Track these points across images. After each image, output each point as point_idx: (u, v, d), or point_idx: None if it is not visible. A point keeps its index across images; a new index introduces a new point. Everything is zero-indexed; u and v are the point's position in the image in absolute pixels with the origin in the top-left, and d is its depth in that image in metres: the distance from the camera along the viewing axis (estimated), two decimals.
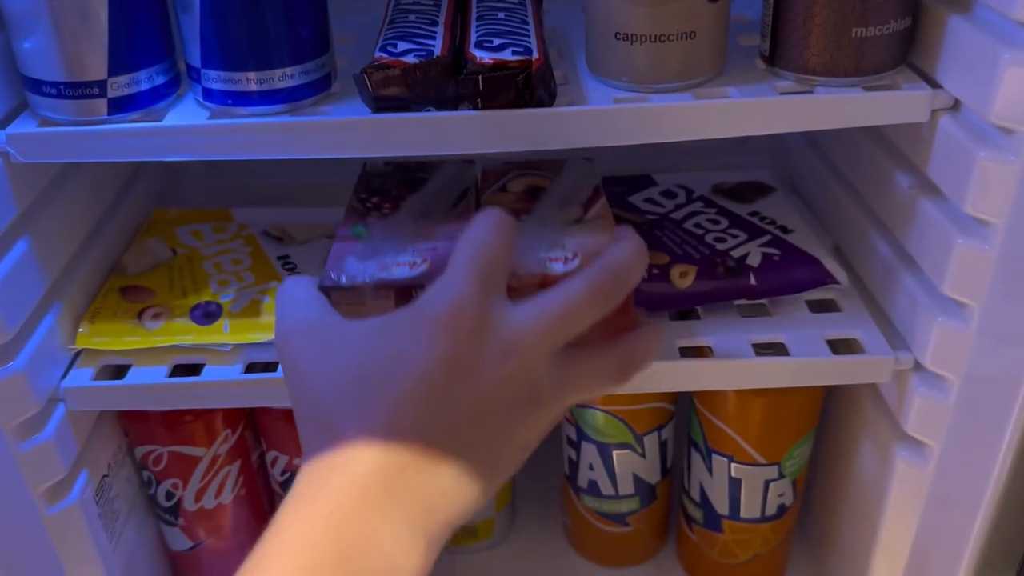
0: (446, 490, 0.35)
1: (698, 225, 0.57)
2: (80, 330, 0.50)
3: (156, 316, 0.51)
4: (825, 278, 0.52)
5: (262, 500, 0.60)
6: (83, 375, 0.50)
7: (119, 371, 0.50)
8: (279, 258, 0.56)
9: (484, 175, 0.54)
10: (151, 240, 0.58)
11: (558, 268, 0.43)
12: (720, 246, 0.54)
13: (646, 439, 0.60)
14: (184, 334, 0.50)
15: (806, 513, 0.66)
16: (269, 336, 0.48)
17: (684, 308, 0.52)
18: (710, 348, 0.50)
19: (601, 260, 0.37)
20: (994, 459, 0.47)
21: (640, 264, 0.38)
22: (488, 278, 0.36)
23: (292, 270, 0.55)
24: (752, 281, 0.52)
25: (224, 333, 0.50)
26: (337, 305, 0.43)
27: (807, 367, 0.50)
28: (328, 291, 0.43)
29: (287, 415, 0.52)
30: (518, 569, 0.68)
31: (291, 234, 0.59)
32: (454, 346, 0.34)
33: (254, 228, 0.59)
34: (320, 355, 0.37)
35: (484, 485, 0.36)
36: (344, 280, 0.44)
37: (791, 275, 0.52)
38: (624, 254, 0.38)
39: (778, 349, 0.50)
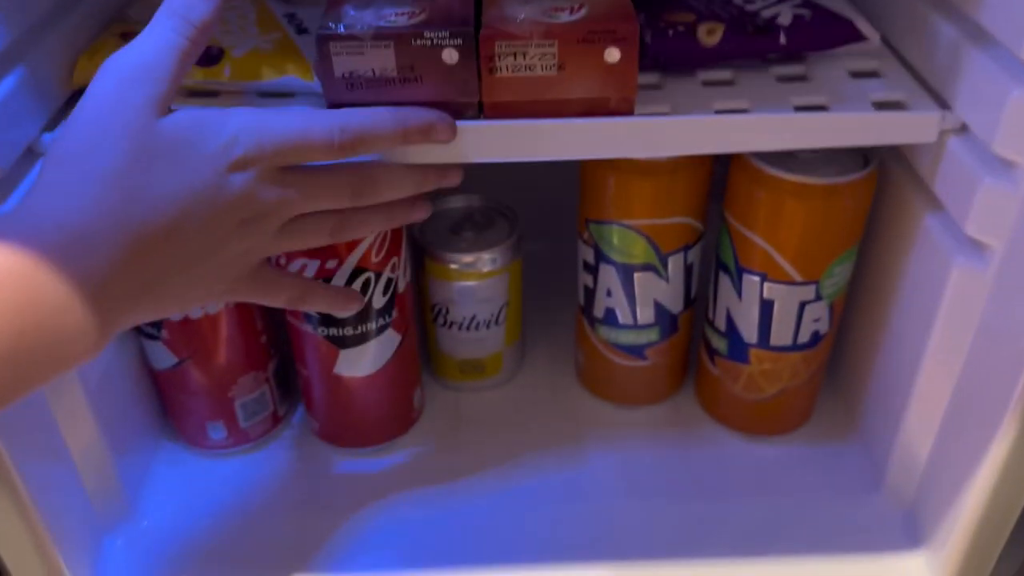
0: (143, 280, 0.36)
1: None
2: (78, 67, 0.48)
3: None
4: (856, 35, 0.49)
5: (253, 315, 0.55)
6: None
7: None
8: (285, 15, 0.52)
9: None
10: None
11: (564, 18, 0.43)
12: (749, 7, 0.50)
13: (671, 260, 0.55)
14: None
15: (837, 351, 0.61)
16: (272, 79, 0.47)
17: (711, 65, 0.49)
18: (747, 110, 0.46)
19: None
20: None
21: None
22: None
23: (299, 24, 0.51)
24: (782, 40, 0.48)
25: (226, 76, 0.47)
26: (337, 55, 0.42)
27: (850, 124, 0.45)
28: (326, 40, 0.41)
29: None
30: (526, 408, 0.64)
31: None
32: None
33: None
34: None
35: (179, 291, 0.38)
36: (343, 29, 0.42)
37: (821, 32, 0.49)
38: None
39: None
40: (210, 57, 0.48)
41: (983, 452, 0.47)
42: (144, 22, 0.51)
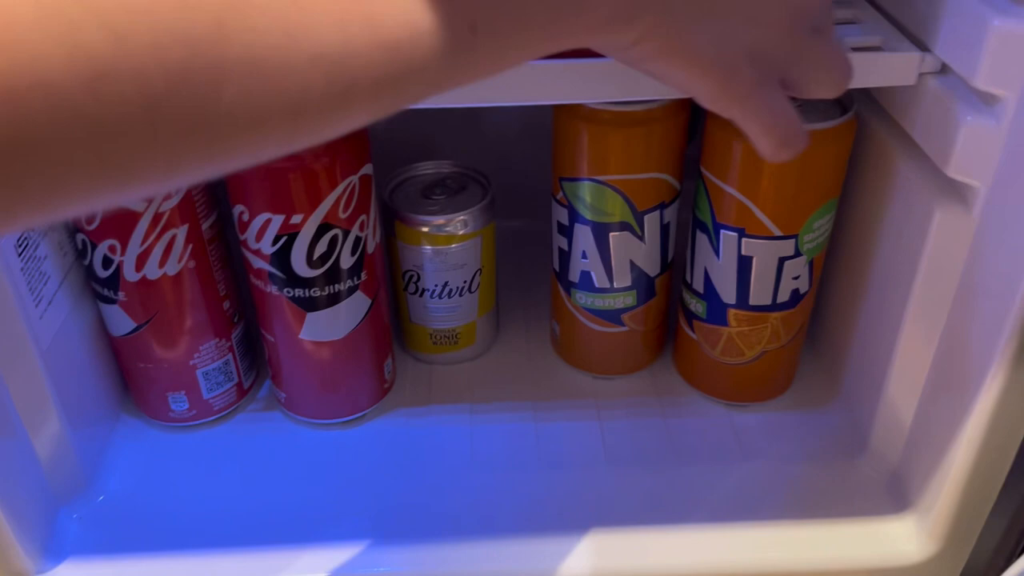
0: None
1: None
2: None
3: None
4: None
5: (215, 278, 0.53)
6: None
7: None
8: None
9: None
10: None
11: None
12: None
13: (647, 219, 0.53)
14: None
15: (817, 314, 0.60)
16: None
17: None
18: None
19: None
20: None
21: None
22: None
23: None
24: None
25: None
26: None
27: None
28: None
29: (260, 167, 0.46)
30: (500, 381, 0.62)
31: None
32: None
33: None
34: None
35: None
36: None
37: None
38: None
39: None
40: None
41: (968, 411, 0.45)
42: None
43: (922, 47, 0.45)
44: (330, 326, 0.53)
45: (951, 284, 0.46)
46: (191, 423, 0.57)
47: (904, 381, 0.51)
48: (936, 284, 0.47)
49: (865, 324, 0.55)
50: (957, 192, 0.44)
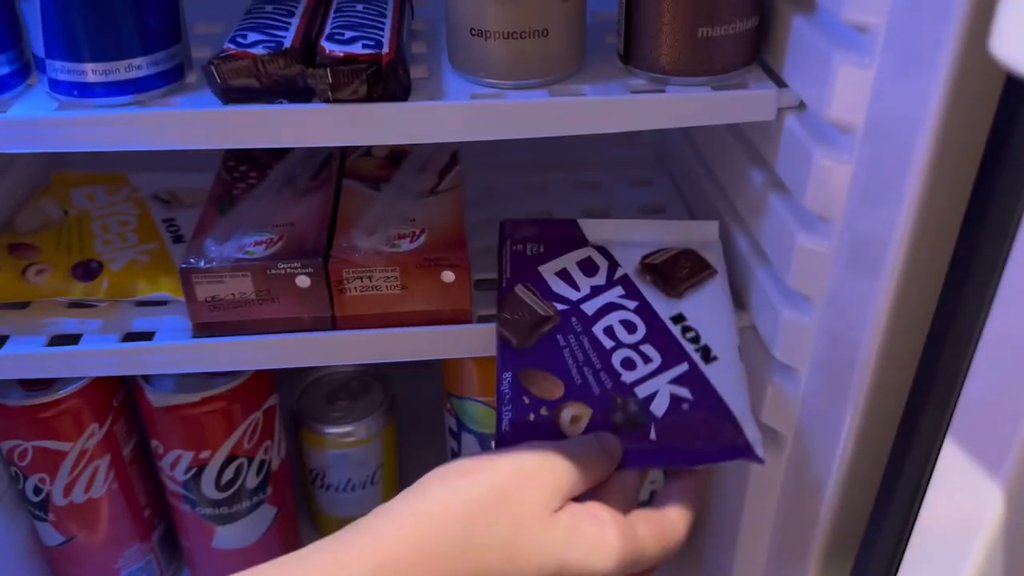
0: None
1: (610, 331, 0.47)
2: None
3: (40, 272, 0.53)
4: (740, 451, 0.43)
5: (136, 493, 0.59)
6: None
7: None
8: (164, 221, 0.58)
9: None
10: (45, 200, 0.60)
11: (405, 246, 0.50)
12: (627, 375, 0.45)
13: None
14: (65, 291, 0.52)
15: None
16: (145, 294, 0.52)
17: None
18: None
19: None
20: (837, 447, 0.49)
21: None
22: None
23: (175, 232, 0.57)
24: (652, 436, 0.43)
25: (103, 290, 0.52)
26: (199, 284, 0.48)
27: None
28: (188, 272, 0.47)
29: (172, 409, 0.53)
30: None
31: (179, 198, 0.61)
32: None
33: (146, 191, 0.62)
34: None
35: None
36: (203, 263, 0.48)
37: (697, 441, 0.44)
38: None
39: None
40: (89, 272, 0.52)
41: None
42: (32, 232, 0.56)
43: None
44: (239, 536, 0.59)
45: (775, 492, 0.53)
46: None
47: (747, 565, 0.58)
48: (761, 495, 0.54)
49: (711, 525, 0.63)
50: (770, 434, 0.52)
